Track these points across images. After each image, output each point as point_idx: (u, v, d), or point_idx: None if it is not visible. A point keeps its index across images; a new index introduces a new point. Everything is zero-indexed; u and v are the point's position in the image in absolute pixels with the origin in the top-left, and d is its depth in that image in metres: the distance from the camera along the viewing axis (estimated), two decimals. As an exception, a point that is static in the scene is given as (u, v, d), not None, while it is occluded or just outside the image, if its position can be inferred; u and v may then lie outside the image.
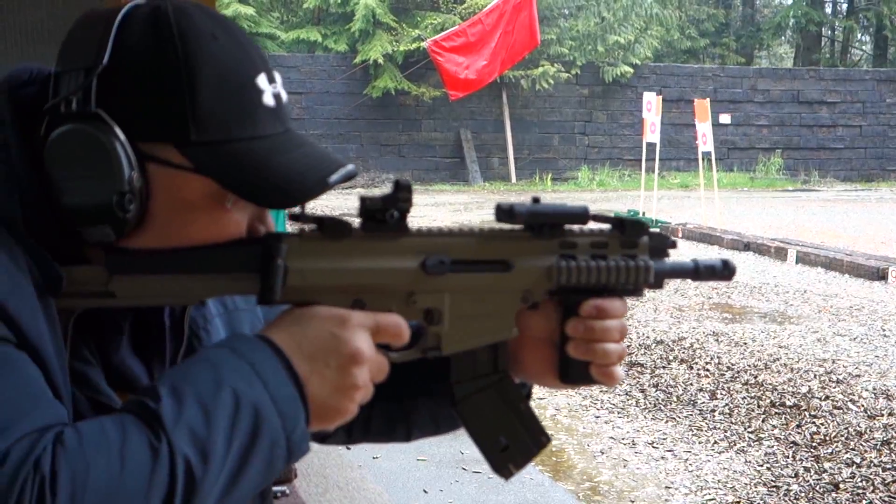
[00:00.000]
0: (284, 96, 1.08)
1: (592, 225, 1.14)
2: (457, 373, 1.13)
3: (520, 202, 1.09)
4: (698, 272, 1.20)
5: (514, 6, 17.53)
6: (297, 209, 1.01)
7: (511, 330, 1.10)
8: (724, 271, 1.21)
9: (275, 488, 2.78)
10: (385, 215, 1.01)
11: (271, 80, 1.06)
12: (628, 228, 1.14)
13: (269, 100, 1.04)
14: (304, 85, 23.73)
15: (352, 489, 3.34)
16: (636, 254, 1.14)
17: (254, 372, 0.94)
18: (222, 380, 0.92)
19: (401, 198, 1.01)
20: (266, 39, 25.05)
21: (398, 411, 1.30)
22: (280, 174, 1.01)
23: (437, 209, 18.18)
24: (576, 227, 1.12)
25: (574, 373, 1.15)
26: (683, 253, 12.70)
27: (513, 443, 1.15)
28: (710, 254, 12.74)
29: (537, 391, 5.01)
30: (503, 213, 1.08)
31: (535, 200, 1.10)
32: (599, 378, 1.16)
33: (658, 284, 1.17)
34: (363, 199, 1.02)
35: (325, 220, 1.00)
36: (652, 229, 1.17)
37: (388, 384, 1.07)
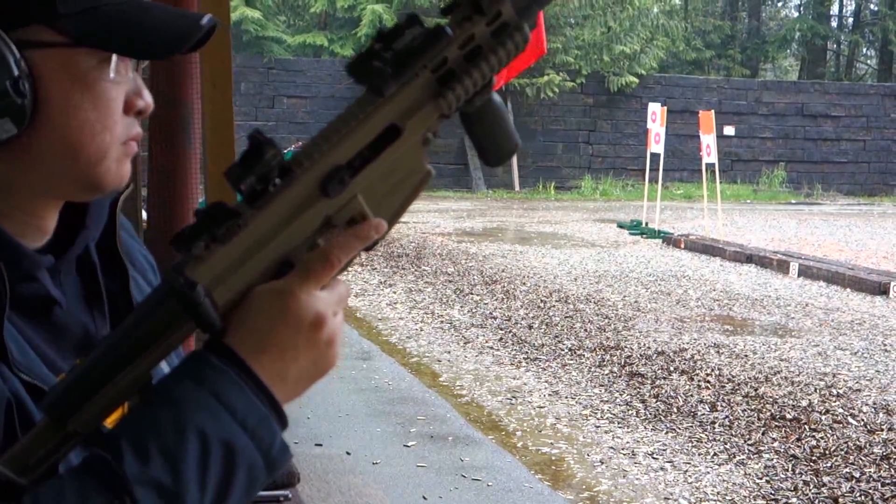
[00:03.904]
0: None
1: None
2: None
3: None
4: None
5: (521, 15, 17.58)
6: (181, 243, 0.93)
7: (425, 168, 1.02)
8: None
9: (277, 493, 2.79)
10: (269, 188, 0.94)
11: None
12: (484, 2, 0.99)
13: None
14: (310, 89, 23.77)
15: (353, 494, 3.36)
16: (505, 20, 0.99)
17: (219, 403, 0.90)
18: (186, 422, 0.89)
19: (270, 159, 0.93)
20: (272, 43, 25.09)
21: None
22: (154, 26, 1.01)
23: (440, 216, 18.20)
24: (432, 35, 0.98)
25: None
26: (686, 264, 12.71)
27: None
28: (712, 266, 12.76)
29: (535, 400, 5.01)
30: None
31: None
32: None
33: (532, 26, 1.04)
34: (235, 182, 0.93)
35: (214, 228, 0.92)
36: None
37: None
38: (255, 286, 0.94)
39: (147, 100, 1.06)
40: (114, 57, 1.01)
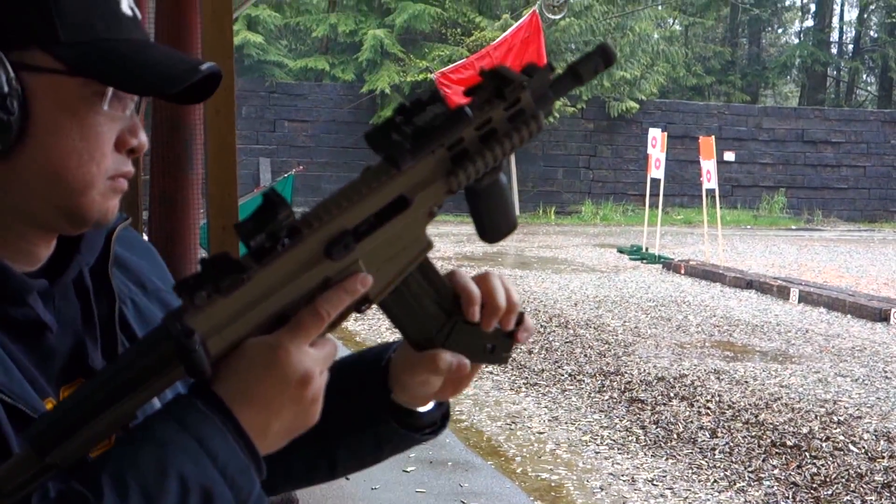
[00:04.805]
0: (139, 14, 1.08)
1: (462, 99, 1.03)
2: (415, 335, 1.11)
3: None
4: (579, 76, 1.05)
5: (523, 40, 17.66)
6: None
7: (424, 242, 1.05)
8: (603, 56, 1.05)
9: (275, 518, 2.78)
10: (277, 246, 0.95)
11: None
12: (506, 88, 1.01)
13: (126, 9, 1.05)
14: (311, 113, 23.83)
15: (352, 520, 3.35)
16: (522, 107, 1.03)
17: (201, 448, 0.92)
18: (168, 464, 0.90)
19: (283, 219, 0.95)
20: (274, 67, 25.20)
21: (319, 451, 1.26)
22: (152, 64, 1.02)
23: (440, 240, 18.21)
24: (453, 116, 1.01)
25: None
26: (686, 290, 12.69)
27: (497, 340, 1.14)
28: (712, 291, 12.75)
29: (535, 426, 4.98)
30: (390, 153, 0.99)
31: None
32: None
33: (548, 115, 1.08)
34: (245, 238, 0.94)
35: (219, 279, 0.94)
36: (534, 73, 1.03)
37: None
38: (249, 338, 0.95)
39: (141, 140, 1.07)
40: (109, 90, 1.02)
